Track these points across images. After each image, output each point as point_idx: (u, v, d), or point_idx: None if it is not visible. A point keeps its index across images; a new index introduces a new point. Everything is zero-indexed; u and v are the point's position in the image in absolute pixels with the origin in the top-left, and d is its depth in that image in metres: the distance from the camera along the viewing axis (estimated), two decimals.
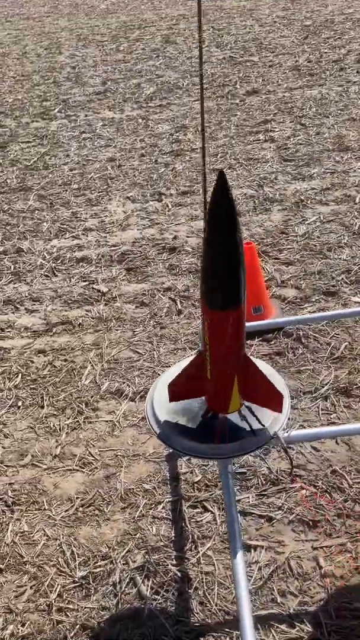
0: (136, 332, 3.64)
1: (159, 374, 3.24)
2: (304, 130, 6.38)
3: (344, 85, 7.64)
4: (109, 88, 8.70)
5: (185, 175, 5.67)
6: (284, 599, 2.20)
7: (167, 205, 5.11)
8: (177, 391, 1.86)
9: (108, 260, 4.42)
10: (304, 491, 2.56)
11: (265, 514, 2.49)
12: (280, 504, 2.51)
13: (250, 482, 2.63)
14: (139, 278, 4.18)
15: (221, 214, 1.49)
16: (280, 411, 1.83)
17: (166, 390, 1.90)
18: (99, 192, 5.54)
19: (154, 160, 6.06)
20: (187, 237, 4.62)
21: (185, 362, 1.91)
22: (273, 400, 1.81)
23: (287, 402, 1.92)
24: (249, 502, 2.55)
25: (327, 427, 2.71)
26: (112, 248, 4.57)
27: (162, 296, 3.95)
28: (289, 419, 1.92)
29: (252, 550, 2.37)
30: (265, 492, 2.58)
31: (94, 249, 4.61)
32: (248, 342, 3.44)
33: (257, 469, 2.67)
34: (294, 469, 2.64)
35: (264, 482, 2.62)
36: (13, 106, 8.49)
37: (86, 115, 7.70)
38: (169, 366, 3.34)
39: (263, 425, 1.79)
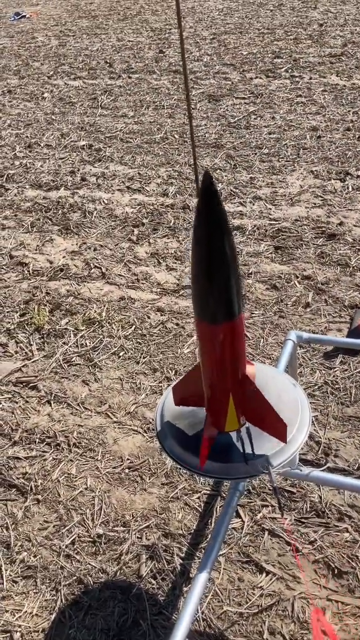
0: (253, 315, 3.50)
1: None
2: None
3: None
4: (347, 51, 8.14)
5: None
6: (271, 637, 2.03)
7: (348, 187, 4.72)
8: (178, 396, 1.75)
9: (261, 234, 4.27)
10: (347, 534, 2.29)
11: (294, 542, 2.30)
12: (314, 539, 2.29)
13: (295, 504, 2.43)
14: (283, 259, 3.97)
15: (207, 217, 1.32)
16: (284, 441, 1.64)
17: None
18: (285, 161, 5.31)
19: (357, 137, 5.60)
20: (355, 225, 4.24)
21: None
22: (276, 429, 1.62)
23: (303, 433, 1.71)
24: (284, 524, 2.36)
25: None
26: (271, 221, 4.39)
27: (297, 283, 3.72)
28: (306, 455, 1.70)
29: (263, 574, 2.21)
30: (306, 521, 2.37)
31: (255, 219, 4.47)
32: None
33: (308, 494, 2.45)
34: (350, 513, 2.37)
35: (309, 509, 2.40)
36: (244, 60, 8.41)
37: (310, 78, 7.33)
38: (268, 357, 3.18)
39: (253, 454, 1.62)
